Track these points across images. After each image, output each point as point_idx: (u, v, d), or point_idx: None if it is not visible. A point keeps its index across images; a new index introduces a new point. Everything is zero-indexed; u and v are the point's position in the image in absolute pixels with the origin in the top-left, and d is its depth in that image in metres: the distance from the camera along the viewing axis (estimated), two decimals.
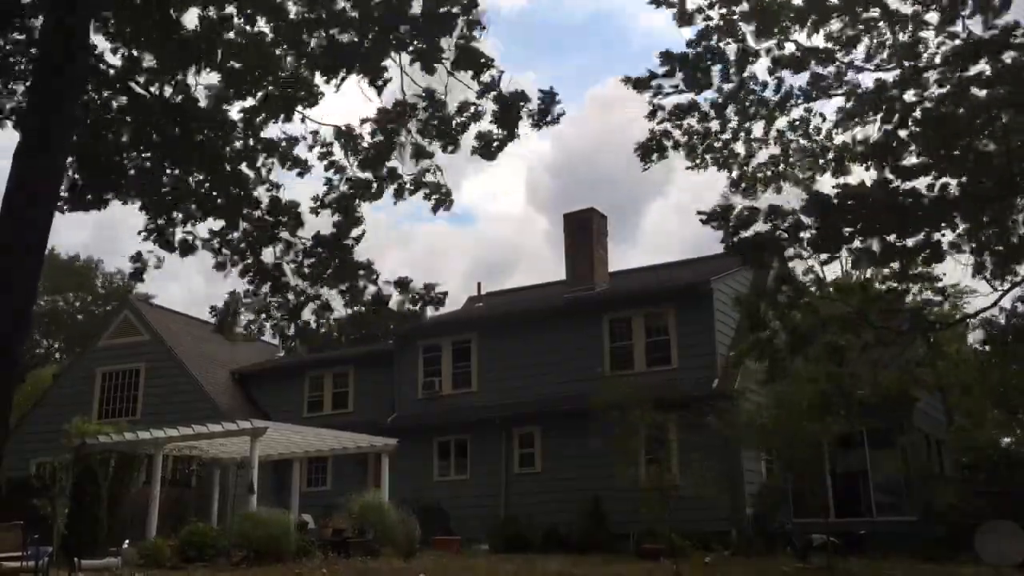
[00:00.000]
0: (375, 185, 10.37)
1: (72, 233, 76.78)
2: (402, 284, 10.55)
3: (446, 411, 25.39)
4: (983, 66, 12.02)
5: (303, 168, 10.70)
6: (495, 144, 9.98)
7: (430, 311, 10.64)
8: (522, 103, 9.81)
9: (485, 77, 9.87)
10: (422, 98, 10.10)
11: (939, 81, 12.43)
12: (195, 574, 14.96)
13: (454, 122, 10.09)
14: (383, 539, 18.01)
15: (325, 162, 10.55)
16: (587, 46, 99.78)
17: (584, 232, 27.29)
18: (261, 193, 10.57)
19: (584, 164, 76.04)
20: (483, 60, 9.82)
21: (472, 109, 10.00)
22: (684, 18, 12.97)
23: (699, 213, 13.41)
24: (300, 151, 10.68)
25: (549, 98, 9.92)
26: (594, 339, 24.00)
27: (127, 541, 17.46)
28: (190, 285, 74.62)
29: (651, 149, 13.74)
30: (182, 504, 21.07)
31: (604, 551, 19.58)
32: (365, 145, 10.33)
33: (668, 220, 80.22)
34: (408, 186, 10.40)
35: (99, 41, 9.96)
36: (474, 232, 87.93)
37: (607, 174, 72.71)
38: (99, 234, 66.35)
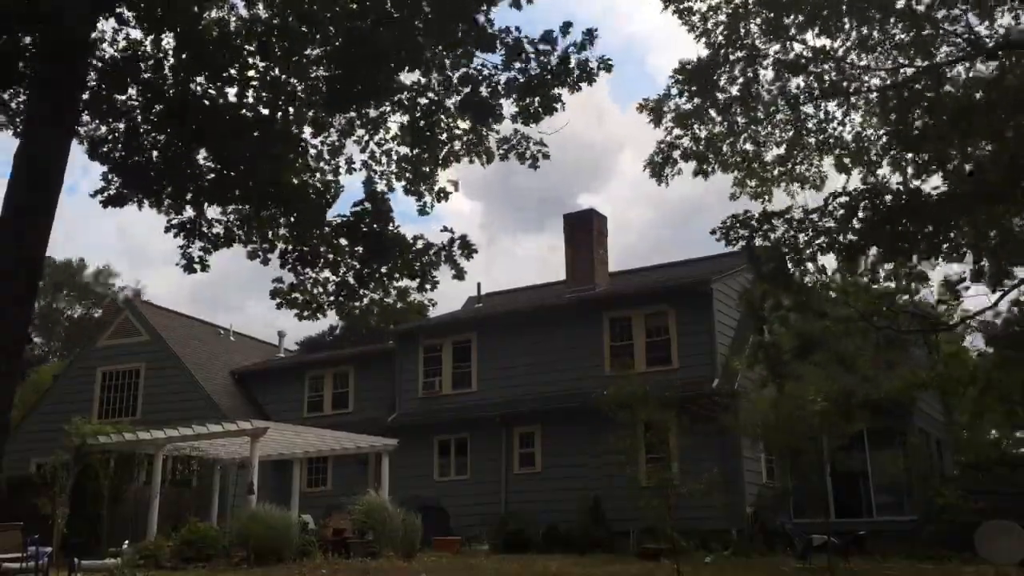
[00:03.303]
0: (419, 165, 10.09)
1: (88, 239, 77.39)
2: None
3: (446, 410, 25.39)
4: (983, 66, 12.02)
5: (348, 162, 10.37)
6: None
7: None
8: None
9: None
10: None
11: (949, 78, 12.40)
12: (194, 574, 14.96)
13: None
14: (383, 539, 18.00)
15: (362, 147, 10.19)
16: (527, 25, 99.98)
17: (584, 232, 27.34)
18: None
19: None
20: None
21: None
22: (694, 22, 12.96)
23: (713, 232, 13.25)
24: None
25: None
26: (594, 339, 24.00)
27: (127, 541, 17.46)
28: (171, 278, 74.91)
29: (662, 164, 13.58)
30: (182, 504, 21.08)
31: (604, 550, 19.61)
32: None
33: (612, 208, 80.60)
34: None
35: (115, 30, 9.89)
36: (414, 227, 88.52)
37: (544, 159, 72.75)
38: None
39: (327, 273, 10.27)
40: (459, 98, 9.55)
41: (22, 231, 8.38)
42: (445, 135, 10.06)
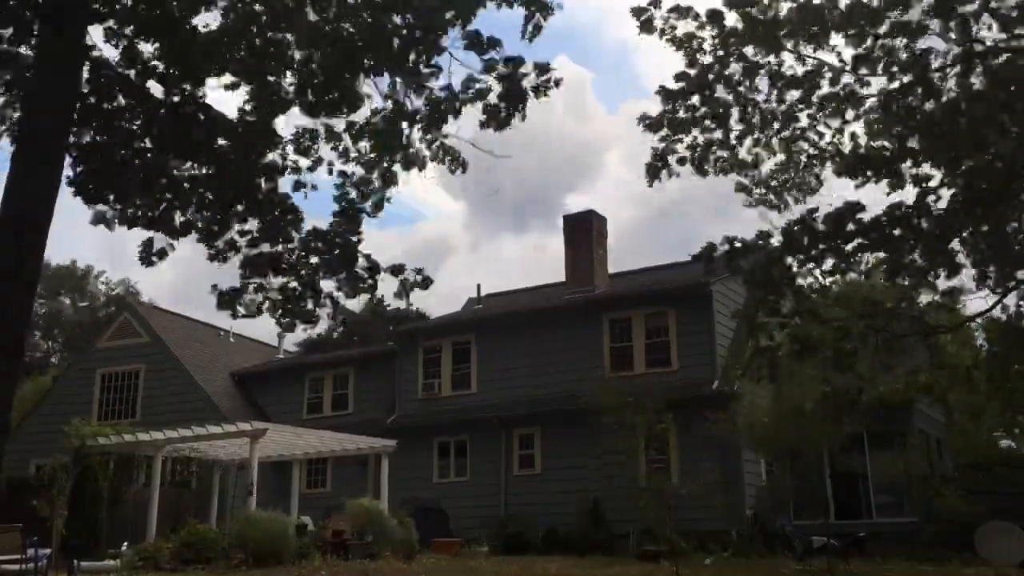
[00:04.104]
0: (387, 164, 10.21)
1: (73, 241, 77.24)
2: (396, 270, 10.53)
3: (446, 412, 25.38)
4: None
5: (314, 159, 10.46)
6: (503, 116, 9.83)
7: (420, 295, 10.66)
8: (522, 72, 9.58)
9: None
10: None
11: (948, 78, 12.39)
12: None
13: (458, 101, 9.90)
14: (383, 541, 17.99)
15: (336, 151, 10.32)
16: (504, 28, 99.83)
17: (584, 233, 27.34)
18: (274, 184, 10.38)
19: (498, 148, 76.11)
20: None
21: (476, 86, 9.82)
22: (677, 43, 13.02)
23: (691, 256, 13.48)
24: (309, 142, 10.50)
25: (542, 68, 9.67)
26: (594, 340, 23.99)
27: (126, 543, 17.44)
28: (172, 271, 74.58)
29: (657, 168, 13.67)
30: (181, 506, 21.04)
31: (604, 552, 19.58)
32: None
33: (599, 208, 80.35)
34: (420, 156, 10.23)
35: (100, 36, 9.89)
36: (398, 229, 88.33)
37: (523, 157, 72.79)
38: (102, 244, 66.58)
39: (282, 279, 10.47)
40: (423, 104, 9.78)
41: (22, 231, 8.37)
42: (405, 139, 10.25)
